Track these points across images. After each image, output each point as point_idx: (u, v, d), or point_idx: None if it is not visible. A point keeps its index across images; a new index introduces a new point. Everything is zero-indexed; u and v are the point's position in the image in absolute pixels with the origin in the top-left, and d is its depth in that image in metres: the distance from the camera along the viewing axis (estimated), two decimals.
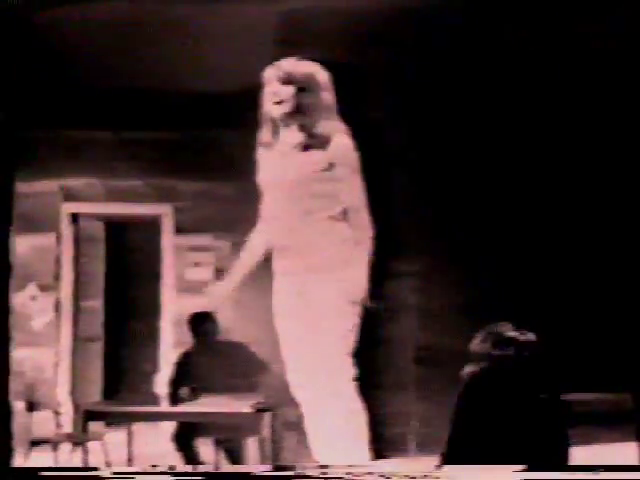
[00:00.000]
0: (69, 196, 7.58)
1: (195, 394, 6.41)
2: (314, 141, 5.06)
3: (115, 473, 4.53)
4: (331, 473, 4.32)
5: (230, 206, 7.06)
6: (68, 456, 6.56)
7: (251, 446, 6.33)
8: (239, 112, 5.92)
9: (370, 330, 5.10)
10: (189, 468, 5.97)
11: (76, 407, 7.26)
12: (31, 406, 6.88)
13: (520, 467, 2.73)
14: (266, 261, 5.23)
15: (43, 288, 7.54)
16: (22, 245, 6.93)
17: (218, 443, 6.63)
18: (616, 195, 6.36)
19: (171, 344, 7.37)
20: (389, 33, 6.26)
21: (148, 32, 6.37)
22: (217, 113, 7.07)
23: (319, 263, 5.03)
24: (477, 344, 2.83)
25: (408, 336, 6.37)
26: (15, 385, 5.65)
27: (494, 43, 6.26)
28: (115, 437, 6.60)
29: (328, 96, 5.14)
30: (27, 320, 7.38)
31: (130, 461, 6.47)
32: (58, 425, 7.07)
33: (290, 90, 5.07)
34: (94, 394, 7.92)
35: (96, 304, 8.18)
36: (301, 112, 5.07)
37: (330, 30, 6.22)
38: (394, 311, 6.32)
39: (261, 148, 5.24)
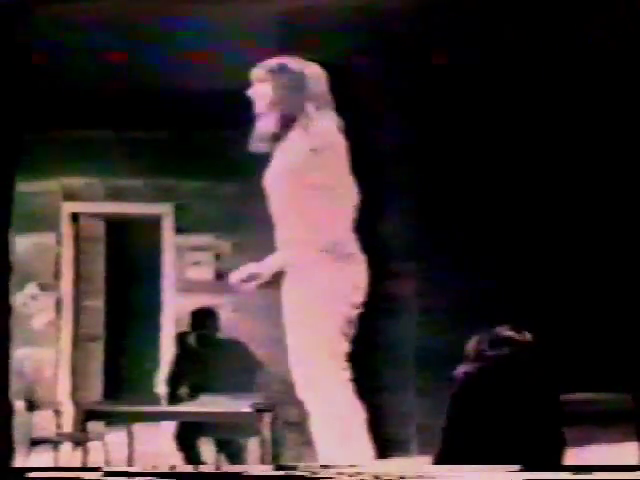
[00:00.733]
0: (69, 196, 7.57)
1: (194, 393, 6.41)
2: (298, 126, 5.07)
3: (115, 473, 4.53)
4: (331, 473, 4.32)
5: (231, 206, 7.06)
6: (68, 456, 6.56)
7: (251, 446, 6.33)
8: (239, 111, 5.93)
9: (370, 330, 5.10)
10: (189, 468, 5.97)
11: (76, 407, 7.25)
12: (31, 406, 6.88)
13: (515, 467, 2.73)
14: None
15: (43, 287, 7.53)
16: (22, 244, 6.93)
17: (218, 443, 6.63)
18: (616, 195, 6.36)
19: (171, 344, 7.36)
20: (389, 33, 6.26)
21: (148, 31, 6.37)
22: (217, 112, 7.06)
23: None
24: (473, 344, 2.83)
25: (408, 336, 6.37)
26: (15, 385, 5.65)
27: (494, 43, 6.26)
28: (115, 437, 6.59)
29: (319, 88, 5.14)
30: (27, 319, 7.37)
31: (130, 461, 6.47)
32: (58, 425, 7.07)
33: (271, 85, 5.09)
34: (94, 394, 7.91)
35: (96, 303, 8.16)
36: (283, 103, 5.09)
37: (330, 30, 6.21)
38: (394, 311, 6.32)
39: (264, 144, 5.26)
